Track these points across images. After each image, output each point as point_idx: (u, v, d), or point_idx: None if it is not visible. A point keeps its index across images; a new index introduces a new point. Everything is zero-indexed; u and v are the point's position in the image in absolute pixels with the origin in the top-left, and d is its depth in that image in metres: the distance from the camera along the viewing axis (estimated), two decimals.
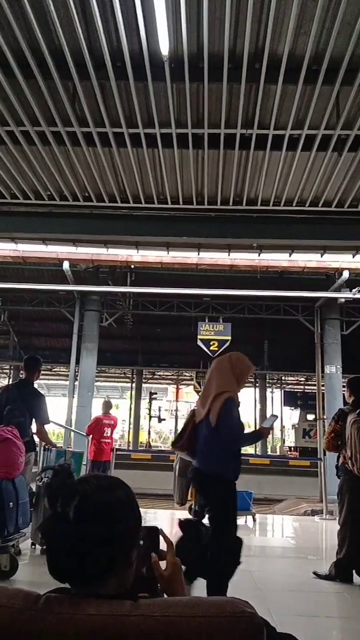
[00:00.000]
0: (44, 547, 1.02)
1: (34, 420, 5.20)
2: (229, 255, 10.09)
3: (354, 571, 4.47)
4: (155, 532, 1.22)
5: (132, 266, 12.74)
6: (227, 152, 6.26)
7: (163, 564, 1.20)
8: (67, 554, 0.97)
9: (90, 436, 8.88)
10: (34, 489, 4.97)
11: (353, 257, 9.78)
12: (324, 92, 5.32)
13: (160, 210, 7.49)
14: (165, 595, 1.15)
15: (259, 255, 10.04)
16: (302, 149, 6.14)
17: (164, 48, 4.81)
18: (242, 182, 6.89)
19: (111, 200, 7.34)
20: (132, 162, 6.51)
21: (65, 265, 11.39)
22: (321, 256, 9.97)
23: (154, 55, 4.95)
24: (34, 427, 5.23)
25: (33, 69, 5.09)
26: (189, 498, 8.09)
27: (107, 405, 9.59)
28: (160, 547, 1.23)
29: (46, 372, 25.99)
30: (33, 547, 5.14)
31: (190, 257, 10.71)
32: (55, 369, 25.99)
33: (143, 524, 1.11)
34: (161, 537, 1.23)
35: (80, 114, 5.78)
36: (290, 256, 10.01)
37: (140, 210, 7.52)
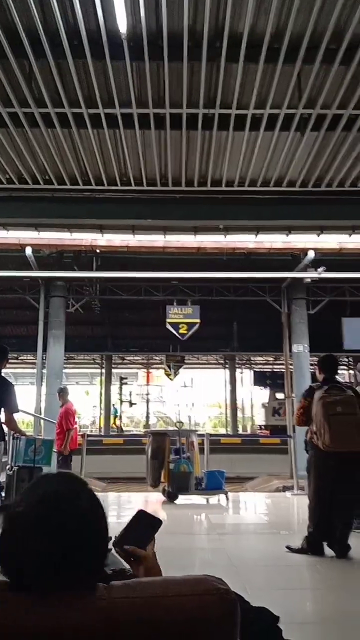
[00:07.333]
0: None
1: (2, 409, 5.12)
2: (195, 237, 10.05)
3: (324, 543, 4.59)
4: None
5: (98, 250, 12.56)
6: (189, 132, 6.21)
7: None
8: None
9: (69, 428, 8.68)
10: (3, 479, 4.92)
11: (318, 236, 9.87)
12: (285, 70, 5.32)
13: (123, 193, 7.39)
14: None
15: (225, 237, 10.04)
16: (264, 128, 6.14)
17: (122, 26, 4.70)
18: (206, 163, 6.85)
19: (73, 182, 7.19)
20: (93, 144, 6.38)
21: (28, 251, 11.11)
22: (286, 236, 10.01)
23: (112, 34, 4.84)
24: (2, 416, 5.15)
25: None
26: (161, 480, 8.17)
27: (67, 392, 9.41)
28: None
29: (13, 361, 25.58)
30: None
31: (156, 240, 10.62)
32: (22, 357, 25.59)
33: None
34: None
35: (38, 95, 5.62)
36: (256, 237, 10.03)
37: (103, 192, 7.40)
